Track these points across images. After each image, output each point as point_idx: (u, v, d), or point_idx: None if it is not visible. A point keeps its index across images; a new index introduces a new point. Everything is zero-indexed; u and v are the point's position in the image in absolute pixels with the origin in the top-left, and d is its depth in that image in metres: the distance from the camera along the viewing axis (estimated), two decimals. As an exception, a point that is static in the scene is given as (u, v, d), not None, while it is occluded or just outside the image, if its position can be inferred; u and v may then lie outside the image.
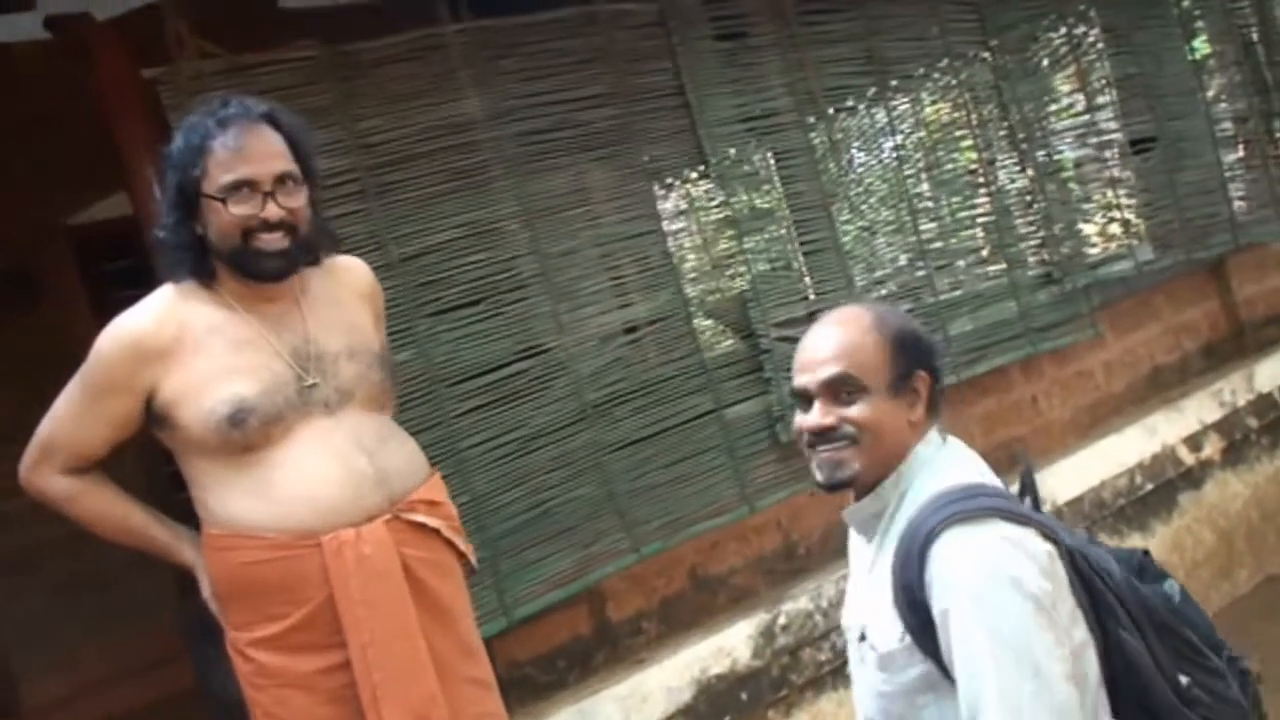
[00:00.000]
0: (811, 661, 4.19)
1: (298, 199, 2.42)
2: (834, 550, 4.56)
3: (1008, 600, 1.79)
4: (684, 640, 4.02)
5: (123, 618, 5.21)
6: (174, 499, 2.72)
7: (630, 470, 3.95)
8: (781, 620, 4.13)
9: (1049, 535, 1.88)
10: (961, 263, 5.02)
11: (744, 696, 4.00)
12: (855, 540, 2.14)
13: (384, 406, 2.57)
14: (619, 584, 4.02)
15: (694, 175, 4.47)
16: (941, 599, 1.83)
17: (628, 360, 4.07)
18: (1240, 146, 6.17)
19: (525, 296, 3.86)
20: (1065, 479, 5.04)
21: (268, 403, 2.33)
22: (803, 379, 2.01)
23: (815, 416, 1.98)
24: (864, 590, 2.04)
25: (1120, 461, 5.26)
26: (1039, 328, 5.11)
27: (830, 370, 1.97)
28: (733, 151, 4.38)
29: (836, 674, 4.27)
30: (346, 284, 2.64)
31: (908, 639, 1.89)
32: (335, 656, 2.32)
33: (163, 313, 2.40)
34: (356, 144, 3.61)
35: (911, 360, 1.99)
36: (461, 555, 2.61)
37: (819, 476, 2.02)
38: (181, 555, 2.53)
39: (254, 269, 2.39)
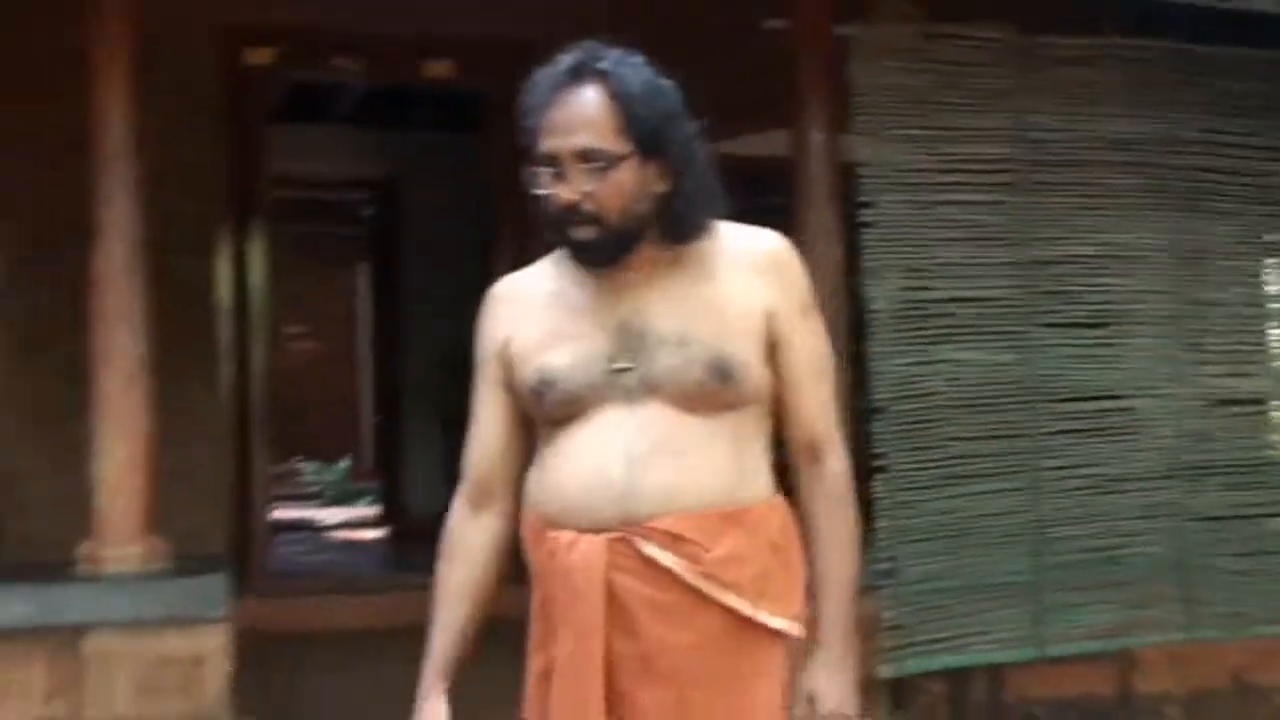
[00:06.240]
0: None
1: (601, 181, 1.93)
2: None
3: None
4: (1208, 740, 3.69)
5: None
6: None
7: (1205, 546, 3.66)
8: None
9: None
10: None
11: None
12: None
13: (703, 408, 2.02)
14: (1154, 656, 3.73)
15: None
16: None
17: (1228, 430, 3.76)
18: None
19: (1145, 335, 3.65)
20: None
21: (569, 379, 1.99)
22: None
23: None
24: None
25: None
26: None
27: None
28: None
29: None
30: (734, 255, 2.05)
31: None
32: (542, 660, 1.97)
33: (522, 275, 2.13)
34: (1019, 136, 3.53)
35: None
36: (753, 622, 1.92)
37: None
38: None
39: (577, 258, 2.02)
